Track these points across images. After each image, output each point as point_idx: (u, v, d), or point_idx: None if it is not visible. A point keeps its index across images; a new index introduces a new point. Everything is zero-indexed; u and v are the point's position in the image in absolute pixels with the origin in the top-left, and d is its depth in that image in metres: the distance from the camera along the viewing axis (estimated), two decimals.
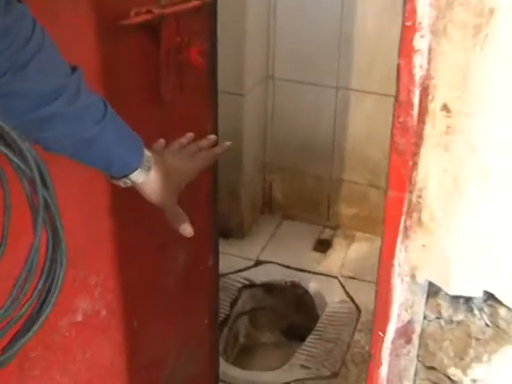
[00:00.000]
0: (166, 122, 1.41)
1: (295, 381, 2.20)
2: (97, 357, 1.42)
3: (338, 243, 2.86)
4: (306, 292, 2.58)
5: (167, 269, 1.58)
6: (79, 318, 1.35)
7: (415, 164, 0.69)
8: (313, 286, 2.59)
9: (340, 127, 2.77)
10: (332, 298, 2.54)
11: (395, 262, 0.74)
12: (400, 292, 0.74)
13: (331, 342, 2.34)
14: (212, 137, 1.13)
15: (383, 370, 0.79)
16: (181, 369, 1.74)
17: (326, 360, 2.27)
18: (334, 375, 2.21)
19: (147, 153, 0.95)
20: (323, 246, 2.82)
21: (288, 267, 2.67)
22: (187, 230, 1.00)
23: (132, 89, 1.30)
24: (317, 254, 2.78)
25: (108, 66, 1.17)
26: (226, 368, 2.21)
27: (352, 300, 2.53)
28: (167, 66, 1.35)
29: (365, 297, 2.54)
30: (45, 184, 0.68)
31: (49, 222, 0.71)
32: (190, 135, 1.11)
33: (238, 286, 2.57)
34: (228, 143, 1.13)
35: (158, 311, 1.58)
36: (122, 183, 0.95)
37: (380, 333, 0.76)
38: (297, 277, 2.62)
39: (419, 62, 0.64)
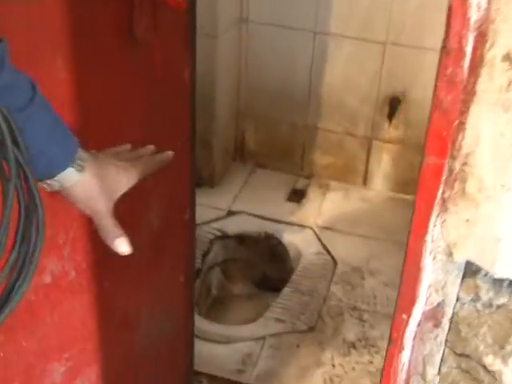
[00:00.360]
0: (139, 66, 1.29)
1: (271, 335, 2.13)
2: (66, 319, 1.33)
3: (313, 193, 2.79)
4: (280, 243, 2.51)
5: (140, 225, 1.48)
6: (47, 279, 1.25)
7: (462, 125, 0.57)
8: (287, 236, 2.52)
9: (317, 73, 2.65)
10: (307, 249, 2.48)
11: (428, 237, 0.62)
12: (431, 271, 0.63)
13: (307, 295, 2.28)
14: (150, 147, 0.97)
15: (405, 355, 0.69)
16: (155, 328, 1.66)
17: (302, 313, 2.21)
18: (311, 329, 2.16)
19: (81, 152, 0.79)
20: (297, 195, 2.74)
21: (261, 217, 2.59)
22: (122, 246, 0.85)
23: (102, 29, 1.17)
24: (291, 204, 2.70)
25: (74, 3, 1.03)
26: (199, 322, 2.13)
27: (327, 251, 2.47)
28: (140, 3, 1.20)
29: (340, 248, 2.48)
30: (15, 141, 0.54)
31: (22, 188, 0.57)
32: (127, 146, 0.95)
33: (209, 238, 2.48)
34: (171, 153, 0.97)
35: (131, 270, 1.47)
36: (46, 185, 0.78)
37: (404, 315, 0.66)
38: (270, 227, 2.54)
39: (477, 0, 0.51)
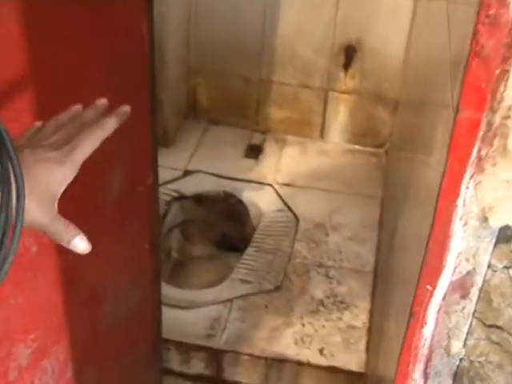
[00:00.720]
0: (95, 18, 1.17)
1: (237, 297, 2.08)
2: (31, 298, 1.26)
3: (270, 148, 2.74)
4: (240, 202, 2.46)
5: (102, 192, 1.40)
6: None
7: (505, 73, 0.50)
8: (246, 195, 2.47)
9: (269, 23, 2.56)
10: (267, 206, 2.43)
11: (459, 201, 0.56)
12: (461, 238, 0.57)
13: (271, 254, 2.24)
14: (101, 102, 0.79)
15: (427, 330, 0.63)
16: (122, 298, 1.59)
17: (268, 273, 2.17)
18: (277, 288, 2.12)
19: None
20: (254, 151, 2.70)
21: (219, 176, 2.54)
22: (80, 245, 0.73)
23: None
24: (248, 161, 2.65)
25: None
26: (163, 288, 2.05)
27: (289, 208, 2.42)
28: None
29: (302, 204, 2.44)
30: None
31: None
32: (70, 112, 0.77)
33: (166, 199, 2.41)
34: (127, 107, 0.78)
35: (95, 241, 1.36)
36: None
37: (428, 286, 0.59)
38: (229, 186, 2.50)
39: None
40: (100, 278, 1.48)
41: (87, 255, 1.39)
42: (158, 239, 1.73)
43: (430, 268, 0.61)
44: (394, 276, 1.47)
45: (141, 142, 1.49)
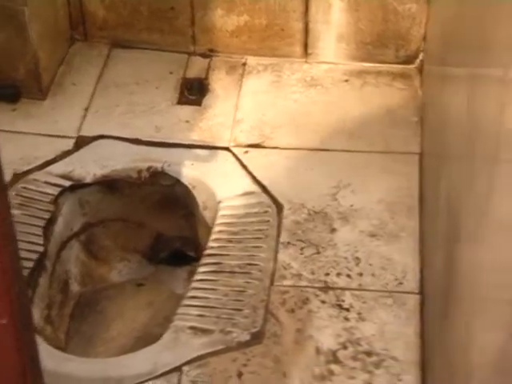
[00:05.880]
0: None
1: (189, 362, 1.91)
2: None
3: (219, 82, 2.66)
4: (178, 182, 2.38)
5: None
6: None
7: None
8: (188, 170, 2.37)
9: None
10: (226, 188, 2.32)
11: None
12: None
13: (239, 274, 2.09)
14: None
15: None
16: None
17: (237, 310, 2.01)
18: (256, 338, 1.95)
19: None
20: (193, 91, 2.63)
21: (137, 141, 2.45)
22: None
23: None
24: (184, 109, 2.57)
25: None
26: (55, 360, 1.90)
27: (263, 188, 2.29)
28: None
29: (285, 179, 2.32)
30: None
31: None
32: None
33: (51, 193, 2.31)
34: None
35: None
36: None
37: None
38: (156, 157, 2.41)
39: None
40: None
41: None
42: (25, 302, 1.52)
43: None
44: (475, 299, 1.35)
45: None
